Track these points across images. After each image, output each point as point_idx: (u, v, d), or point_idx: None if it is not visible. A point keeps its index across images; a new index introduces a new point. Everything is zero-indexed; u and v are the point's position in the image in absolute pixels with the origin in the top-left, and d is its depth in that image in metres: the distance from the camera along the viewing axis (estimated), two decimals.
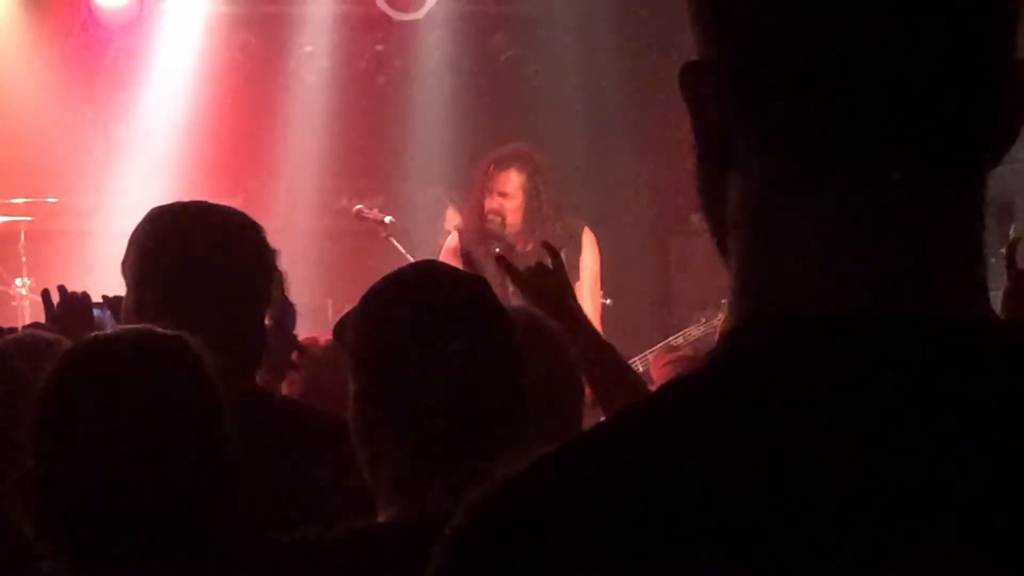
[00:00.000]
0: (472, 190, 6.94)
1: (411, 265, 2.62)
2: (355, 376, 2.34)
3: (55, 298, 3.82)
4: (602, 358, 3.30)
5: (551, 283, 3.45)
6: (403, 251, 7.08)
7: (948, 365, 0.95)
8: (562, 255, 6.83)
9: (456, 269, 2.46)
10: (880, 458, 0.92)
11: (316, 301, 7.57)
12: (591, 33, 9.26)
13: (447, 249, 6.70)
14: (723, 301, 7.40)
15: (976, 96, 0.98)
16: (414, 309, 2.31)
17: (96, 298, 3.78)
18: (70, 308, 3.85)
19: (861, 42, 0.96)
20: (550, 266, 3.52)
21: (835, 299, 0.97)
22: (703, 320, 7.39)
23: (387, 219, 6.94)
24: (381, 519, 2.28)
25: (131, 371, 2.18)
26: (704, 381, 0.99)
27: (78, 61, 8.94)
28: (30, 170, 8.63)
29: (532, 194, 6.81)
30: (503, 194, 6.78)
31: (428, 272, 2.51)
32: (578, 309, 3.47)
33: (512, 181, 6.82)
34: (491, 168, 6.81)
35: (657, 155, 9.17)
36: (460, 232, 6.78)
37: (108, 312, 3.96)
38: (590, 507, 0.94)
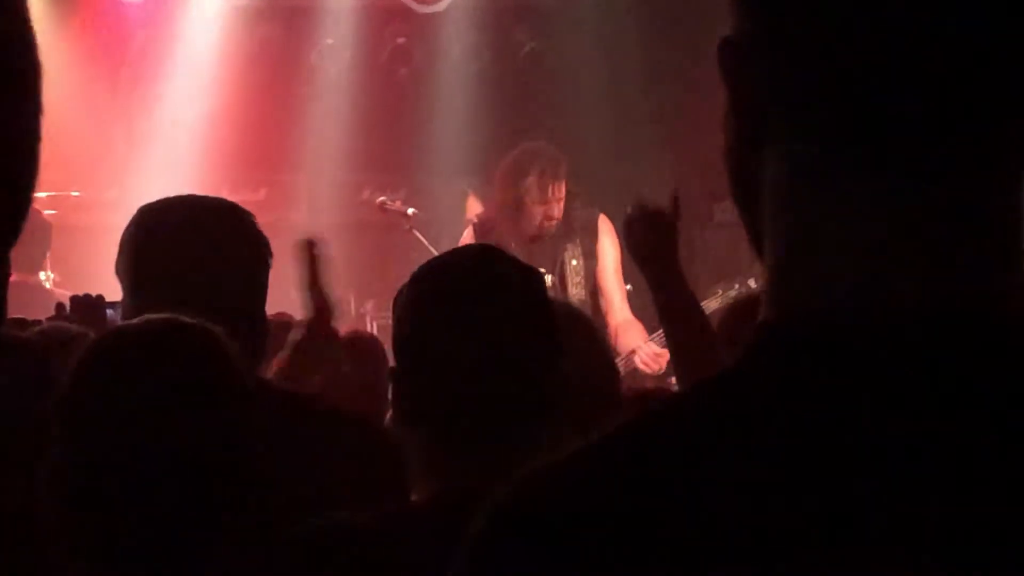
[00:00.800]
0: (508, 196, 7.02)
1: (461, 248, 2.61)
2: (395, 355, 2.33)
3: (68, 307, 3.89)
4: (689, 322, 3.39)
5: (664, 232, 3.49)
6: (426, 243, 7.08)
7: (998, 365, 0.94)
8: (578, 242, 7.07)
9: (505, 255, 2.44)
10: (934, 461, 0.91)
11: (339, 294, 7.57)
12: (612, 24, 9.25)
13: (464, 243, 6.76)
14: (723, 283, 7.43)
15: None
16: (455, 291, 2.30)
17: (116, 295, 3.81)
18: (84, 308, 3.89)
19: (909, 20, 0.94)
20: (666, 216, 3.54)
21: (880, 295, 0.95)
22: (719, 292, 7.42)
23: (410, 211, 6.95)
24: (414, 500, 2.27)
25: (158, 360, 2.19)
26: (747, 378, 0.97)
27: (101, 55, 8.96)
28: (53, 164, 8.64)
29: (571, 191, 7.00)
30: (559, 200, 6.94)
31: (476, 256, 2.50)
32: (678, 264, 3.52)
33: (563, 188, 6.99)
34: (545, 178, 6.92)
35: (679, 147, 9.16)
36: (477, 226, 6.80)
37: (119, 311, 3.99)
38: (626, 504, 0.93)
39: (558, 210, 6.96)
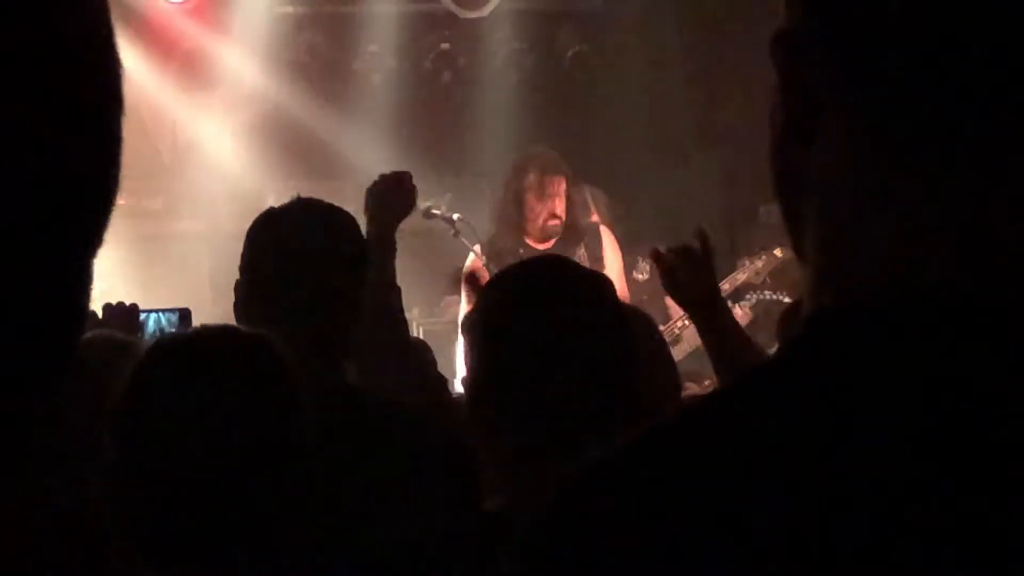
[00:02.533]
0: (508, 198, 7.18)
1: (537, 257, 2.63)
2: (469, 361, 2.34)
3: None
4: (739, 355, 3.31)
5: (703, 272, 3.43)
6: (472, 248, 7.09)
7: None
8: (584, 246, 7.27)
9: (574, 263, 2.45)
10: (981, 455, 0.90)
11: None
12: (656, 29, 9.24)
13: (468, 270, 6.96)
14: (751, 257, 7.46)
15: None
16: (529, 298, 2.31)
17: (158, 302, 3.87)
18: (118, 316, 3.95)
19: (961, 19, 0.93)
20: (698, 252, 3.50)
21: (936, 284, 0.94)
22: (746, 263, 7.49)
23: (455, 216, 6.95)
24: (489, 507, 2.29)
25: (211, 369, 2.21)
26: (797, 370, 0.97)
27: (146, 62, 9.01)
28: None
29: (572, 195, 7.24)
30: (560, 196, 7.17)
31: (550, 264, 2.51)
32: (722, 300, 3.55)
33: (563, 184, 7.23)
34: (543, 174, 7.19)
35: (723, 149, 9.14)
36: (468, 275, 6.93)
37: (158, 315, 4.06)
38: (675, 498, 0.93)
39: (560, 207, 7.18)
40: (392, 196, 3.95)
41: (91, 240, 0.82)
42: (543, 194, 7.12)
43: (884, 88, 0.96)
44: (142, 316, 4.23)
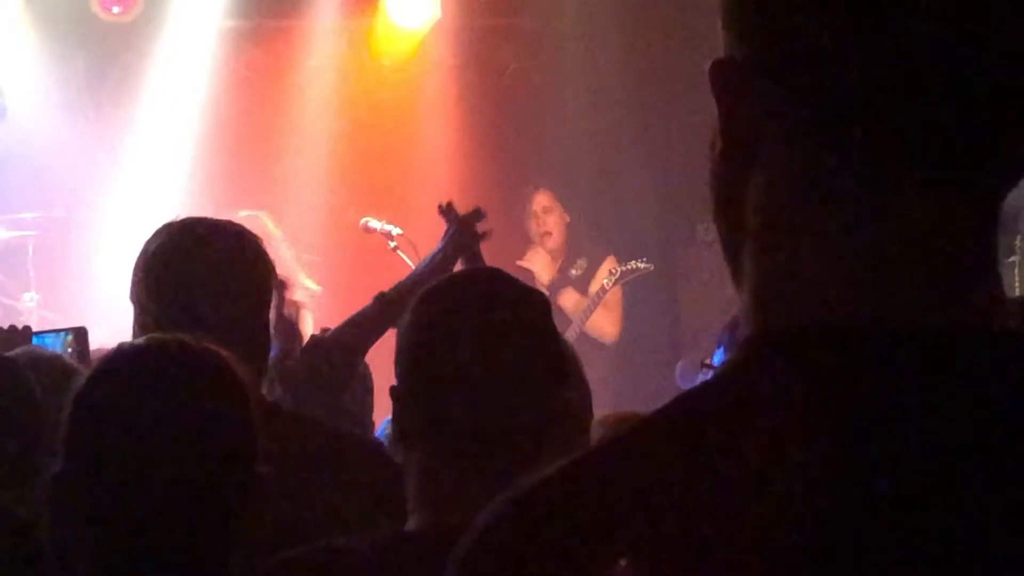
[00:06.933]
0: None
1: (465, 270, 2.55)
2: (397, 375, 2.30)
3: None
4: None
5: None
6: (411, 263, 7.07)
7: (975, 378, 0.95)
8: (583, 262, 7.83)
9: (509, 276, 2.39)
10: (907, 474, 0.92)
11: (323, 315, 7.56)
12: (596, 43, 9.25)
13: None
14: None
15: (1009, 113, 0.97)
16: (458, 311, 2.26)
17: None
18: (5, 341, 3.88)
19: (898, 50, 0.95)
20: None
21: (863, 310, 0.96)
22: (612, 272, 8.31)
23: (395, 231, 6.94)
24: (409, 526, 2.24)
25: (160, 378, 2.18)
26: (736, 390, 0.98)
27: (86, 74, 8.95)
28: (38, 184, 8.62)
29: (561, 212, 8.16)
30: (547, 211, 8.10)
31: (479, 277, 2.47)
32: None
33: (548, 198, 8.16)
34: (534, 191, 8.16)
35: (661, 167, 9.16)
36: None
37: (54, 336, 4.00)
38: (620, 513, 0.94)
39: (549, 222, 8.04)
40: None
41: None
42: (527, 212, 8.36)
43: (818, 119, 0.98)
44: (35, 340, 4.07)
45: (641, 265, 8.33)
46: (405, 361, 2.29)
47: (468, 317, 2.25)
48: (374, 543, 2.23)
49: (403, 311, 2.33)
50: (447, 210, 4.48)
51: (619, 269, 8.31)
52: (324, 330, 4.38)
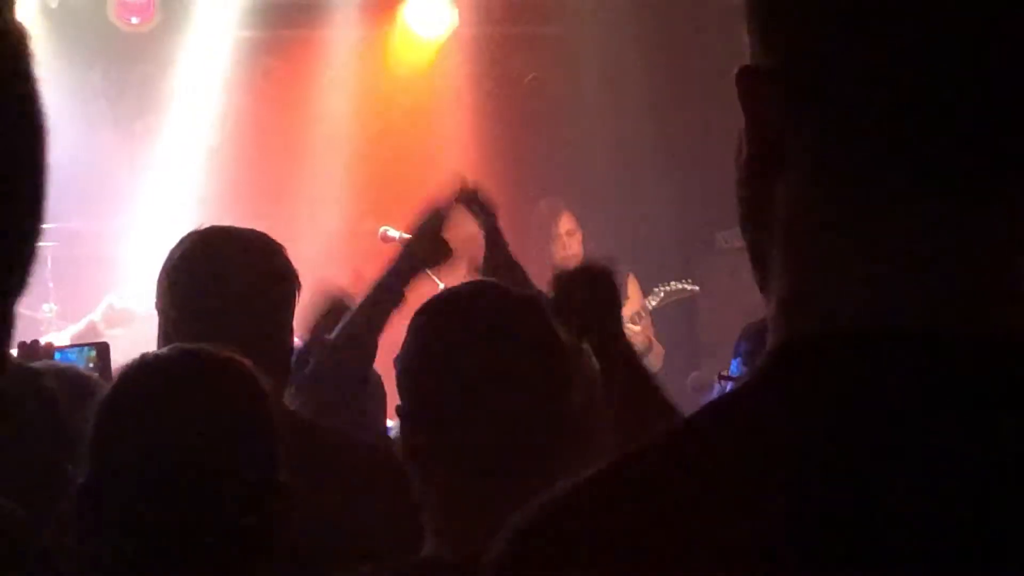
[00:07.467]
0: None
1: (465, 284, 2.54)
2: (402, 397, 2.28)
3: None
4: (643, 403, 3.04)
5: (603, 293, 3.14)
6: (432, 275, 7.06)
7: (1003, 387, 0.94)
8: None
9: (506, 287, 2.38)
10: (938, 483, 0.91)
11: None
12: (615, 52, 9.25)
13: None
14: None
15: None
16: (459, 324, 2.24)
17: None
18: (30, 357, 3.89)
19: (926, 56, 0.95)
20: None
21: (892, 317, 0.96)
22: (659, 290, 8.25)
23: None
24: (430, 550, 2.21)
25: (185, 387, 2.19)
26: (763, 400, 0.98)
27: (104, 84, 8.97)
28: (55, 195, 8.60)
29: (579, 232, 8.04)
30: (570, 233, 8.02)
31: (478, 288, 2.45)
32: (623, 334, 3.24)
33: (570, 221, 8.09)
34: (550, 216, 8.08)
35: (681, 175, 9.15)
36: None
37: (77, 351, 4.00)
38: (635, 532, 0.93)
39: (574, 245, 7.97)
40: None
41: (10, 288, 0.82)
42: (551, 234, 8.08)
43: (845, 124, 0.98)
44: (57, 356, 4.08)
45: (687, 287, 8.31)
46: (408, 382, 2.27)
47: (468, 333, 2.23)
48: (398, 571, 2.22)
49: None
50: (466, 197, 4.00)
51: (662, 290, 8.27)
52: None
